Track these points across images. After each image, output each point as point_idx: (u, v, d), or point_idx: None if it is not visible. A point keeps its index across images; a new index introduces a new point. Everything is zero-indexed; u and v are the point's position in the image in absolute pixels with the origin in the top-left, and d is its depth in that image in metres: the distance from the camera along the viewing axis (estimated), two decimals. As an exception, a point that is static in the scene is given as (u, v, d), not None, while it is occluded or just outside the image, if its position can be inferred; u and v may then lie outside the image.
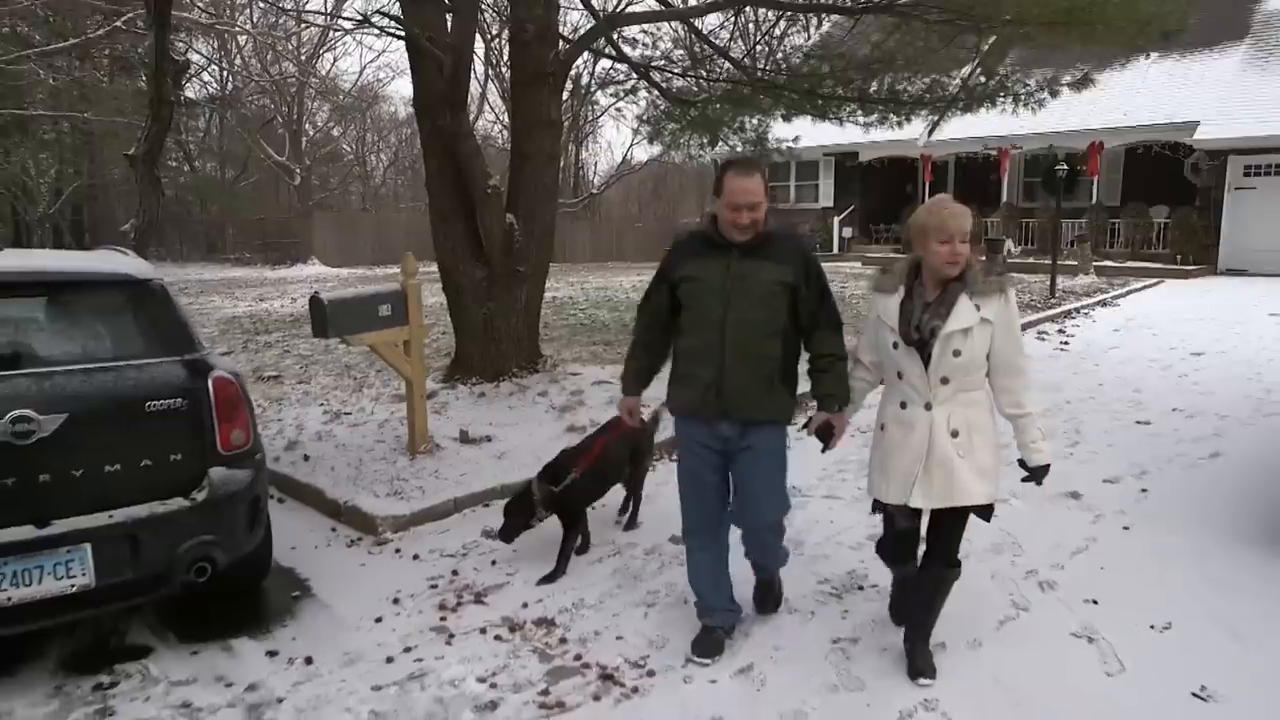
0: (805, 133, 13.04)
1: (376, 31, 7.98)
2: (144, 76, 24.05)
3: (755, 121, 10.79)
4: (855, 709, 2.80)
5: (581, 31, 10.31)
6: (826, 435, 2.99)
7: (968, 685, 2.89)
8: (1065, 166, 12.70)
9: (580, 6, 10.98)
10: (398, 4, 6.34)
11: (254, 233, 28.22)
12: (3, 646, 3.14)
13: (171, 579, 3.08)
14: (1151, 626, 3.25)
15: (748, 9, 10.06)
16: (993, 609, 3.41)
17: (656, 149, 13.82)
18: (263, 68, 28.54)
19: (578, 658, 3.16)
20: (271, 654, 3.24)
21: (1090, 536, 4.12)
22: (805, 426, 3.05)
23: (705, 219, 3.02)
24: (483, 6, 16.85)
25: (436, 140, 6.55)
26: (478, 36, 21.71)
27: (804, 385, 3.08)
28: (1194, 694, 2.81)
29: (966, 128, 17.53)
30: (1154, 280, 15.18)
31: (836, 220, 22.60)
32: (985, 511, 2.82)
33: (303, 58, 29.34)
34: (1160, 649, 3.11)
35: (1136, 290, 13.87)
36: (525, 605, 3.57)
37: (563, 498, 3.80)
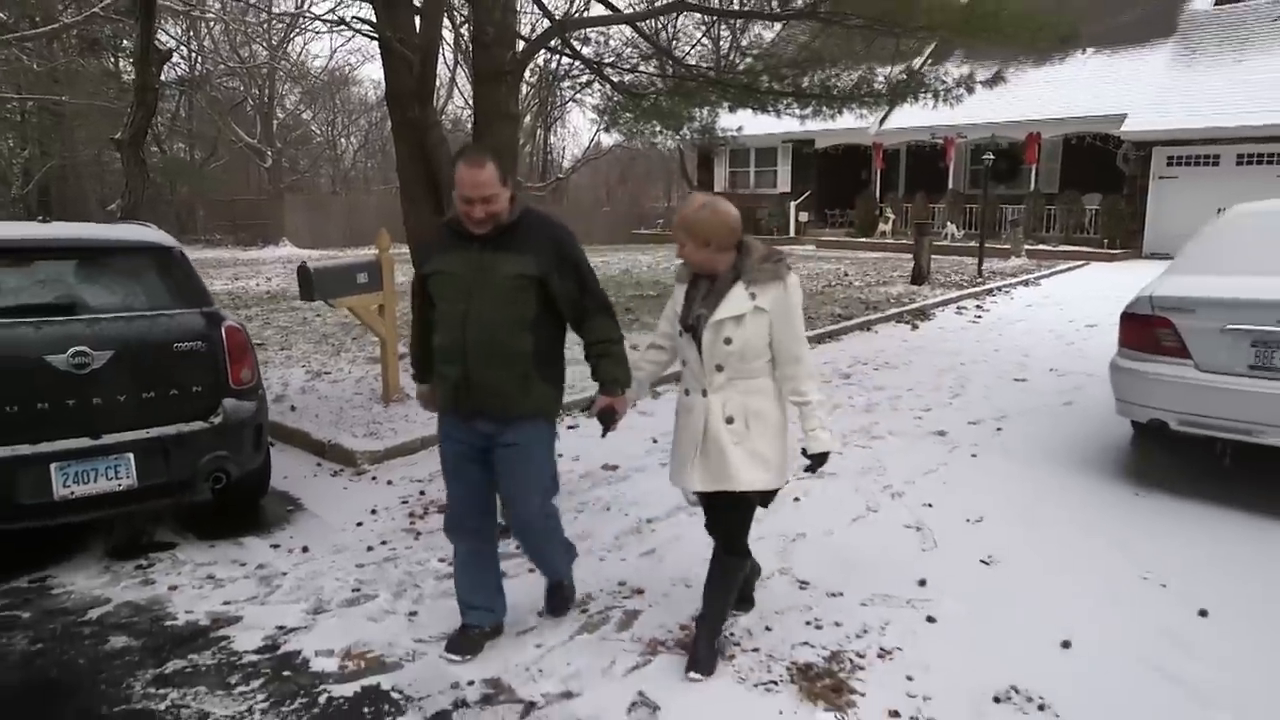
0: (761, 122, 13.90)
1: (349, 28, 8.68)
2: (112, 58, 24.28)
3: (704, 112, 11.66)
4: (729, 575, 3.68)
5: (541, 30, 11.02)
6: (608, 418, 2.96)
7: (815, 557, 3.79)
8: (992, 155, 13.68)
9: (538, 10, 11.69)
10: (370, 8, 7.07)
11: (224, 214, 28.61)
12: (58, 538, 3.94)
13: (196, 485, 3.89)
14: (967, 520, 4.19)
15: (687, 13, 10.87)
16: (849, 511, 4.33)
17: (618, 136, 14.66)
18: (233, 50, 28.77)
19: (519, 546, 4.00)
20: (274, 546, 4.07)
21: (943, 462, 5.06)
22: (587, 410, 3.14)
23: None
24: (449, 6, 17.45)
25: (407, 130, 7.30)
26: (447, 26, 22.26)
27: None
28: (981, 560, 3.74)
29: (916, 117, 18.43)
30: (1080, 263, 16.28)
31: (793, 205, 23.55)
32: (766, 498, 2.90)
33: (273, 41, 29.60)
34: (968, 534, 4.04)
35: (1060, 272, 14.95)
36: (480, 513, 4.41)
37: None
